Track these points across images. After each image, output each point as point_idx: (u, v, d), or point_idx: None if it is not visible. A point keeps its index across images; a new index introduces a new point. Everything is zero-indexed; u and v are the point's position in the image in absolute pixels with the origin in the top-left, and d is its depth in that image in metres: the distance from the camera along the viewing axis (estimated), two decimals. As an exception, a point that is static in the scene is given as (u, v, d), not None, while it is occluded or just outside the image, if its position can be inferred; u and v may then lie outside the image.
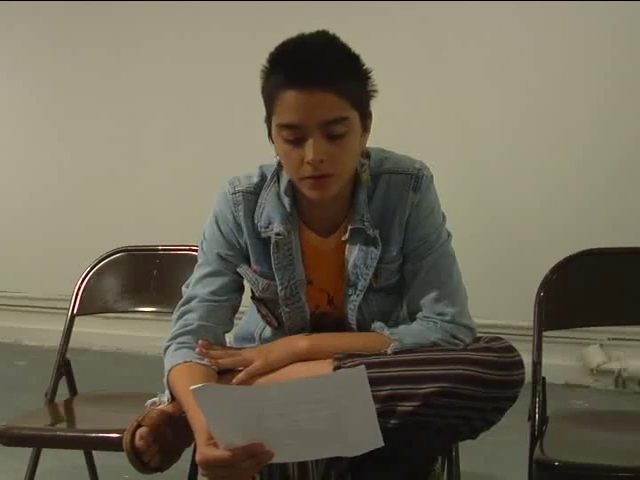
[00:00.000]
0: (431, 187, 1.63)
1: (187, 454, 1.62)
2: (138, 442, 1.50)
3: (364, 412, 1.34)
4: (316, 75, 1.46)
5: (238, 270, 1.68)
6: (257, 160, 1.71)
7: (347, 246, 1.63)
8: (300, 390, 1.33)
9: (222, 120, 4.29)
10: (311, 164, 1.49)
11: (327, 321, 1.68)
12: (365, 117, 1.55)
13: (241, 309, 1.73)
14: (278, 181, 1.64)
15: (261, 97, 1.56)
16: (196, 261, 1.72)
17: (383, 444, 1.37)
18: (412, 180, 1.60)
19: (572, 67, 3.69)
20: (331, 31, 1.54)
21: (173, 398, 1.57)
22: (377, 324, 1.63)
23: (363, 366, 1.31)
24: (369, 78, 1.55)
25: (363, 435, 1.38)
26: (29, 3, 4.73)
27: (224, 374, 1.60)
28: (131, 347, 4.50)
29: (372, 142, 1.63)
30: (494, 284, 3.70)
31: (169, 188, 4.50)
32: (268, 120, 1.56)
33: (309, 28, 1.55)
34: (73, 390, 2.22)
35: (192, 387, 1.31)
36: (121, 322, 4.20)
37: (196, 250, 1.75)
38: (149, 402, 1.63)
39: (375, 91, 1.56)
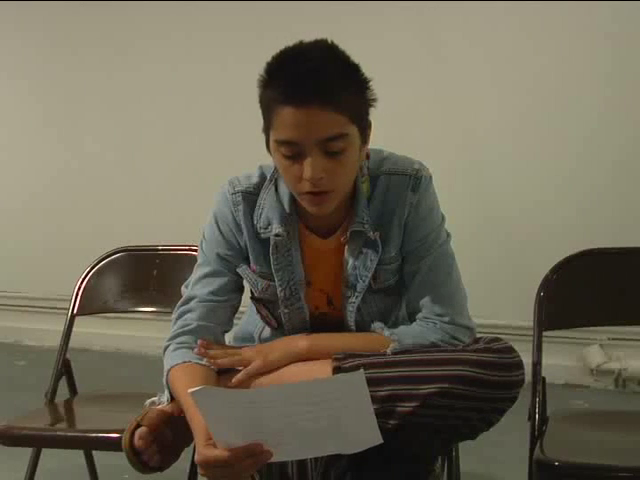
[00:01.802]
0: (430, 187, 1.62)
1: (187, 454, 1.62)
2: (137, 442, 1.50)
3: (363, 413, 1.34)
4: (314, 92, 1.43)
5: (238, 270, 1.67)
6: (257, 160, 1.71)
7: (346, 248, 1.62)
8: (299, 393, 1.33)
9: (222, 120, 4.29)
10: (309, 181, 1.48)
11: (327, 322, 1.68)
12: (364, 129, 1.53)
13: (241, 309, 1.74)
14: (277, 182, 1.64)
15: (259, 107, 1.54)
16: (196, 261, 1.72)
17: (382, 441, 1.37)
18: (411, 180, 1.60)
19: (572, 67, 3.70)
20: (330, 32, 1.52)
21: (172, 398, 1.58)
22: (376, 324, 1.63)
23: (362, 370, 1.31)
24: (368, 88, 1.52)
25: (362, 434, 1.38)
26: (29, 3, 4.73)
27: (223, 374, 1.60)
28: (131, 347, 4.50)
29: (372, 142, 1.62)
30: (494, 284, 3.70)
31: (169, 188, 4.50)
32: (266, 131, 1.54)
33: (309, 28, 1.55)
34: (73, 390, 2.22)
35: (190, 390, 1.30)
36: (121, 322, 4.20)
37: (196, 250, 1.75)
38: (148, 402, 1.63)
39: (375, 100, 1.53)
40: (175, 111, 4.46)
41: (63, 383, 2.18)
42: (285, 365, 1.57)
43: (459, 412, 1.47)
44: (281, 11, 4.10)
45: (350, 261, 1.62)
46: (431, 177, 1.63)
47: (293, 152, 1.48)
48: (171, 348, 1.62)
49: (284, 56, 1.49)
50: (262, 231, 1.63)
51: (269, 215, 1.62)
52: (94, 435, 1.82)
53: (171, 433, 1.54)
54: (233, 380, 1.56)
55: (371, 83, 1.52)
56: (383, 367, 1.50)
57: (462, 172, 3.82)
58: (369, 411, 1.34)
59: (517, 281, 3.58)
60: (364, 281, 1.62)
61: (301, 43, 1.50)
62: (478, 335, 1.63)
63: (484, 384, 1.46)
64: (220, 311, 1.67)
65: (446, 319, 1.59)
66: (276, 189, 1.64)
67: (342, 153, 1.48)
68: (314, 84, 1.43)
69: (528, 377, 1.61)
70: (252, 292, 1.73)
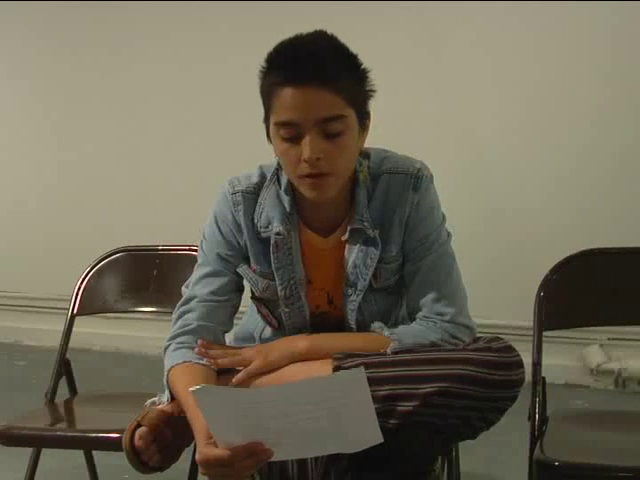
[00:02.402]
0: (431, 187, 1.63)
1: (187, 454, 1.62)
2: (137, 442, 1.50)
3: (364, 411, 1.34)
4: (313, 72, 1.46)
5: (238, 270, 1.67)
6: (257, 160, 1.71)
7: (347, 246, 1.62)
8: (299, 391, 1.33)
9: (222, 120, 4.29)
10: (308, 161, 1.49)
11: (327, 321, 1.68)
12: (363, 116, 1.55)
13: (241, 309, 1.73)
14: (278, 181, 1.64)
15: (260, 97, 1.56)
16: (196, 261, 1.72)
17: (383, 440, 1.37)
18: (412, 180, 1.60)
19: (572, 67, 3.70)
20: (330, 31, 1.54)
21: (173, 398, 1.57)
22: (376, 324, 1.63)
23: (362, 367, 1.31)
24: (367, 77, 1.55)
25: (363, 433, 1.38)
26: (29, 3, 4.73)
27: (223, 374, 1.60)
28: (131, 347, 4.50)
29: (372, 142, 1.63)
30: (494, 284, 3.70)
31: (169, 188, 4.50)
32: (266, 120, 1.56)
33: (309, 28, 1.55)
34: (73, 390, 2.22)
35: (191, 388, 1.31)
36: (121, 322, 4.20)
37: (196, 250, 1.75)
38: (148, 402, 1.63)
39: (373, 91, 1.56)
40: (175, 111, 4.46)
41: (63, 383, 2.18)
42: (285, 365, 1.57)
43: (459, 411, 1.47)
44: (281, 11, 4.10)
45: (350, 259, 1.62)
46: (432, 177, 1.64)
47: (292, 134, 1.50)
48: (171, 348, 1.62)
49: (284, 44, 1.52)
50: (262, 230, 1.63)
51: (270, 214, 1.62)
52: (94, 435, 1.82)
53: (171, 433, 1.54)
54: (233, 380, 1.56)
55: (370, 74, 1.54)
56: (383, 366, 1.50)
57: (462, 172, 3.82)
58: (370, 409, 1.34)
59: (517, 281, 3.58)
60: (365, 279, 1.62)
61: (301, 34, 1.53)
62: (478, 335, 1.63)
63: (484, 383, 1.46)
64: (220, 311, 1.67)
65: (446, 318, 1.59)
66: (276, 188, 1.64)
67: (340, 136, 1.50)
68: (313, 65, 1.46)
69: (528, 377, 1.61)
70: (252, 292, 1.73)
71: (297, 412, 1.32)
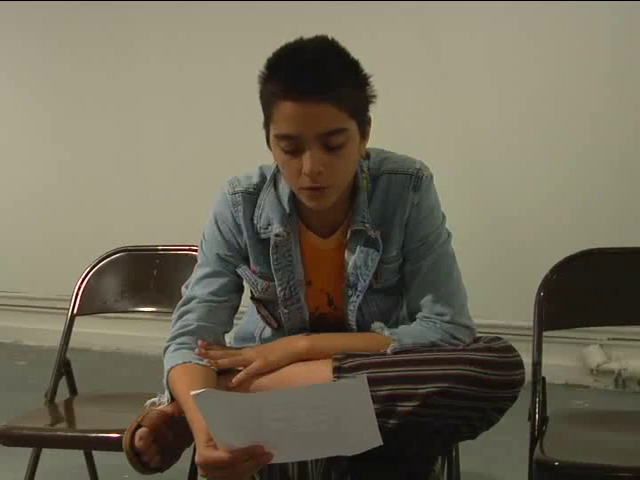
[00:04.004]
0: (431, 187, 1.62)
1: (187, 454, 1.62)
2: (138, 442, 1.50)
3: (364, 416, 1.34)
4: (314, 86, 1.43)
5: (237, 271, 1.67)
6: (257, 160, 1.70)
7: (347, 247, 1.62)
8: (301, 397, 1.33)
9: (222, 120, 4.29)
10: (309, 175, 1.48)
11: (327, 322, 1.68)
12: (364, 125, 1.53)
13: (241, 309, 1.73)
14: (278, 182, 1.64)
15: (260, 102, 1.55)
16: (196, 261, 1.72)
17: (382, 443, 1.37)
18: (412, 180, 1.60)
19: (572, 67, 3.70)
20: (330, 32, 1.52)
21: (173, 399, 1.57)
22: (377, 324, 1.62)
23: (364, 375, 1.31)
24: (368, 84, 1.52)
25: (362, 436, 1.38)
26: (29, 3, 4.73)
27: (224, 374, 1.60)
28: (131, 347, 4.50)
29: (372, 142, 1.62)
30: (494, 284, 3.70)
31: (169, 188, 4.51)
32: (266, 126, 1.54)
33: (308, 28, 1.54)
34: (73, 390, 2.22)
35: (192, 392, 1.30)
36: (121, 322, 4.20)
37: (196, 250, 1.75)
38: (149, 402, 1.63)
39: (374, 96, 1.54)
40: (175, 111, 4.46)
41: (63, 383, 2.18)
42: (285, 365, 1.57)
43: (459, 411, 1.47)
44: (281, 11, 4.10)
45: (351, 260, 1.62)
46: (432, 176, 1.63)
47: (293, 147, 1.48)
48: (171, 349, 1.62)
49: (284, 51, 1.50)
50: (262, 231, 1.63)
51: (269, 215, 1.62)
52: (94, 435, 1.82)
53: (171, 434, 1.54)
54: (233, 380, 1.56)
55: (371, 79, 1.53)
56: (383, 367, 1.50)
57: (462, 172, 3.82)
58: (370, 414, 1.34)
59: (517, 281, 3.58)
60: (365, 280, 1.62)
61: (301, 39, 1.51)
62: (478, 335, 1.63)
63: (484, 383, 1.46)
64: (220, 311, 1.66)
65: (446, 318, 1.59)
66: (276, 189, 1.64)
67: (341, 148, 1.49)
68: (314, 78, 1.44)
69: (528, 377, 1.61)
70: (252, 292, 1.73)
71: (298, 416, 1.32)
